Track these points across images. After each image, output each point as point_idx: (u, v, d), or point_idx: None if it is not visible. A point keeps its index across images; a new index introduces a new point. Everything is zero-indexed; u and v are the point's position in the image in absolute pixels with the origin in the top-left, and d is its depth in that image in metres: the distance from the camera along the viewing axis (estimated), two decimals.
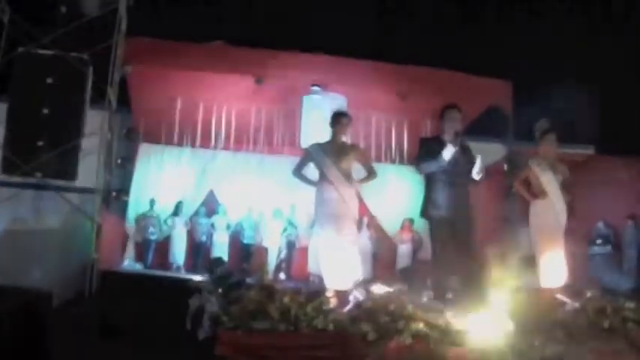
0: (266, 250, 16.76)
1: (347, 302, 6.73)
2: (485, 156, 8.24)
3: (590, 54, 20.74)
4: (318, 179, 8.27)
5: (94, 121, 11.20)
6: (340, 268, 7.78)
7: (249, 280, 7.58)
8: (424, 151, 8.10)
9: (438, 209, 7.87)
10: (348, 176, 8.12)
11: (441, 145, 7.88)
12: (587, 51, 20.76)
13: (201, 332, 6.12)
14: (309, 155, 8.40)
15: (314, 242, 9.01)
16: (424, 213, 8.13)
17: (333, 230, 7.93)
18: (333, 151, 8.16)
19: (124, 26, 11.72)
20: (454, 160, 7.84)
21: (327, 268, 7.90)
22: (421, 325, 5.88)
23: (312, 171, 8.52)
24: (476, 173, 7.91)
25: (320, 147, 8.29)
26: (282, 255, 16.83)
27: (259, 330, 5.58)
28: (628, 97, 20.19)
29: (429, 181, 8.06)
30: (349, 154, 8.24)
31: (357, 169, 8.50)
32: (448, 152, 7.76)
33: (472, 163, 7.99)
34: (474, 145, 8.36)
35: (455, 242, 7.85)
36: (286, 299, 5.85)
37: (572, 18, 22.05)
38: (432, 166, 7.91)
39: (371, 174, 8.53)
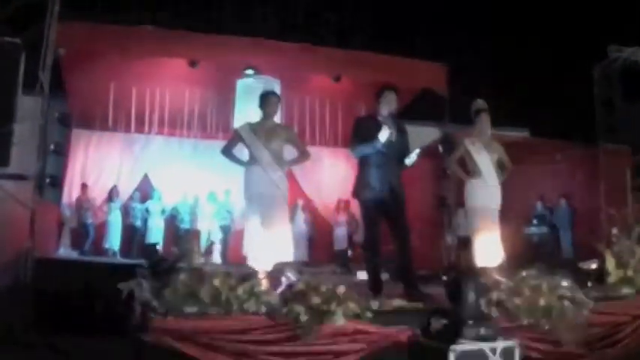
0: (199, 233, 16.67)
1: (279, 284, 6.71)
2: (420, 138, 8.26)
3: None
4: (247, 160, 8.11)
5: (27, 106, 11.01)
6: (267, 250, 7.71)
7: (181, 264, 7.54)
8: (359, 132, 8.00)
9: (369, 190, 7.79)
10: (278, 157, 7.96)
11: (377, 125, 7.80)
12: None
13: (132, 318, 6.07)
14: (238, 135, 8.18)
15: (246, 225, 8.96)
16: (355, 194, 8.09)
17: (261, 212, 7.84)
18: (264, 131, 7.98)
19: (56, 9, 11.54)
20: (388, 142, 7.76)
21: (254, 250, 7.86)
22: (353, 306, 5.88)
23: (243, 152, 8.28)
24: (409, 160, 7.90)
25: (250, 127, 8.10)
26: (214, 238, 16.71)
27: (190, 314, 5.55)
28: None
29: (362, 162, 7.97)
30: (280, 135, 8.09)
31: (291, 151, 8.46)
32: (384, 134, 7.66)
33: (406, 145, 7.98)
34: (409, 128, 8.33)
35: (387, 223, 7.88)
36: (216, 282, 5.80)
37: None
38: (367, 149, 7.80)
39: (303, 155, 8.40)
